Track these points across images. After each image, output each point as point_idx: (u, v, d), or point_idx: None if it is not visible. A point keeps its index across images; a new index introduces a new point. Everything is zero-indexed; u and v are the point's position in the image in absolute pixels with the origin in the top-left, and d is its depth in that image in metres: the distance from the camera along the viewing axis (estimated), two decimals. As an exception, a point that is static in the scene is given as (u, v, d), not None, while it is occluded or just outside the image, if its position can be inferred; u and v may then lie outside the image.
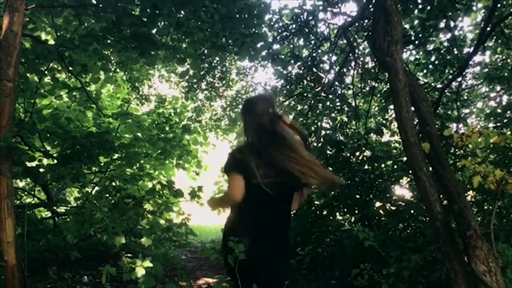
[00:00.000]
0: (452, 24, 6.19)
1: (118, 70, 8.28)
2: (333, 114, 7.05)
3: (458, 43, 6.59)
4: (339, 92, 7.46)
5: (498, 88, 7.55)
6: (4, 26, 3.06)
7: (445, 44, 6.69)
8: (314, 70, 7.23)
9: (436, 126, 2.90)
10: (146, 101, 10.28)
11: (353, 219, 4.47)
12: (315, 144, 5.13)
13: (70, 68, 5.07)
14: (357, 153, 4.67)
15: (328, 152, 4.68)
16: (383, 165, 4.79)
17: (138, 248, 4.61)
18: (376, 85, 7.13)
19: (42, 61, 4.80)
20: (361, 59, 7.42)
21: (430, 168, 2.48)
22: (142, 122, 6.57)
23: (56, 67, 5.22)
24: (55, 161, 4.46)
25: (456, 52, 6.46)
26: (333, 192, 4.47)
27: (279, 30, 7.03)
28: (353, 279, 3.26)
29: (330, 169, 4.64)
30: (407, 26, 6.31)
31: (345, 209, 4.52)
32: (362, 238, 3.10)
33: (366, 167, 4.56)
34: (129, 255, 2.84)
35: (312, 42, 7.46)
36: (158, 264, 3.07)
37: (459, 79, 6.22)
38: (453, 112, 6.62)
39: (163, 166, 6.81)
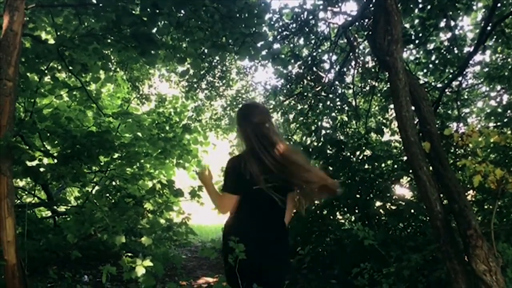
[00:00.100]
0: (452, 23, 6.19)
1: (118, 69, 8.29)
2: (333, 114, 7.05)
3: (459, 43, 6.59)
4: (339, 91, 7.46)
5: (499, 87, 7.55)
6: (4, 26, 3.06)
7: (446, 43, 6.69)
8: (314, 69, 7.23)
9: (437, 125, 2.89)
10: (146, 101, 10.28)
11: (353, 218, 4.48)
12: (315, 143, 5.13)
13: (70, 68, 5.07)
14: (358, 153, 4.67)
15: (328, 151, 4.68)
16: (383, 165, 4.79)
17: (138, 248, 4.62)
18: (377, 84, 7.12)
19: (42, 61, 4.79)
20: (362, 58, 7.41)
21: (431, 168, 2.48)
22: (142, 122, 6.57)
23: (56, 66, 5.22)
24: (55, 161, 4.46)
25: (456, 51, 6.46)
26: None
27: (279, 30, 7.03)
28: (353, 278, 3.26)
29: (331, 168, 4.65)
30: (407, 25, 6.31)
31: (345, 209, 4.52)
32: (362, 237, 3.10)
33: (366, 166, 4.56)
34: (130, 254, 2.84)
35: (312, 41, 7.46)
36: (158, 264, 3.07)
37: (460, 78, 6.22)
38: (454, 112, 6.62)
39: (163, 166, 6.81)
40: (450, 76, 6.31)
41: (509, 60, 7.28)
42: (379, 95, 7.66)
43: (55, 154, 4.75)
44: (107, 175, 5.29)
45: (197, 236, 7.06)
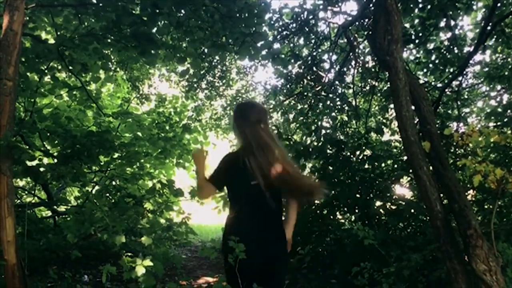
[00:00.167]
0: (452, 23, 6.19)
1: (118, 69, 8.28)
2: (333, 113, 7.06)
3: (459, 42, 6.59)
4: (340, 91, 7.47)
5: (499, 87, 7.55)
6: (4, 25, 3.06)
7: (446, 43, 6.69)
8: (315, 69, 7.23)
9: (437, 125, 2.89)
10: (146, 100, 10.27)
11: (353, 218, 4.47)
12: (315, 143, 5.13)
13: (70, 67, 5.07)
14: (358, 152, 4.67)
15: (328, 151, 4.68)
16: (383, 164, 4.79)
17: (138, 247, 4.62)
18: (377, 84, 7.13)
19: (42, 60, 4.79)
20: (362, 58, 7.42)
21: (431, 167, 2.48)
22: (142, 121, 6.57)
23: (56, 66, 5.22)
24: (55, 160, 4.46)
25: (456, 51, 6.47)
26: (333, 192, 4.47)
27: (279, 29, 7.03)
28: (353, 278, 3.26)
29: (331, 168, 4.64)
30: (407, 25, 6.31)
31: (346, 208, 4.51)
32: (362, 237, 3.10)
33: (366, 166, 4.56)
34: (130, 254, 2.84)
35: (313, 41, 7.46)
36: (158, 263, 3.07)
37: (460, 78, 6.22)
38: (454, 111, 6.62)
39: (163, 165, 6.81)
40: (450, 75, 6.31)
41: (509, 60, 7.28)
42: (379, 94, 7.66)
43: (55, 154, 4.75)
44: (107, 175, 5.29)
45: (197, 236, 7.05)
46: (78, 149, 4.23)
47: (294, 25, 6.98)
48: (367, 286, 3.13)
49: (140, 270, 2.71)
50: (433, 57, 6.59)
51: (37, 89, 5.19)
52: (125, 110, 6.88)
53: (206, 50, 6.36)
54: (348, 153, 4.65)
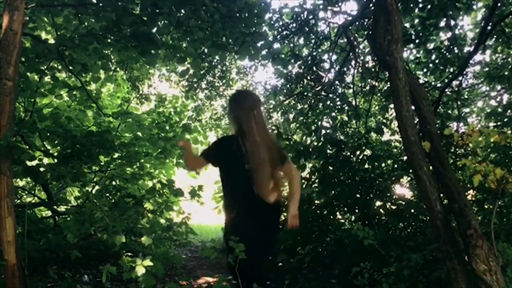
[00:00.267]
0: (452, 23, 6.20)
1: (118, 69, 8.27)
2: (333, 113, 7.06)
3: (459, 42, 6.59)
4: (340, 91, 7.47)
5: (499, 87, 7.55)
6: (4, 25, 3.06)
7: (446, 43, 6.69)
8: (315, 69, 7.23)
9: (437, 125, 2.89)
10: (146, 100, 10.27)
11: (353, 218, 4.47)
12: (315, 143, 5.13)
13: (70, 67, 5.07)
14: (358, 152, 4.67)
15: (328, 151, 4.68)
16: (383, 164, 4.79)
17: (138, 247, 4.61)
18: (377, 84, 7.13)
19: (42, 60, 4.79)
20: (362, 58, 7.42)
21: (431, 167, 2.48)
22: (142, 121, 6.56)
23: (56, 66, 5.22)
24: (56, 160, 4.46)
25: (456, 51, 6.47)
26: (333, 192, 4.47)
27: (279, 29, 7.03)
28: (353, 278, 3.26)
29: (331, 168, 4.64)
30: (407, 25, 6.31)
31: (346, 208, 4.51)
32: (361, 237, 3.10)
33: (366, 166, 4.56)
34: (130, 254, 2.84)
35: (313, 41, 7.46)
36: (159, 263, 3.07)
37: (460, 78, 6.22)
38: (454, 111, 6.62)
39: (163, 165, 6.81)
40: (450, 75, 6.31)
41: (509, 59, 7.28)
42: (379, 94, 7.66)
43: (55, 154, 4.75)
44: (107, 174, 5.29)
45: (197, 236, 7.04)
46: (78, 149, 4.23)
47: (294, 25, 6.98)
48: (367, 286, 3.12)
49: (140, 270, 2.71)
50: (433, 57, 6.59)
51: (37, 89, 5.19)
52: (125, 110, 6.88)
53: (206, 50, 6.36)
54: (348, 153, 4.65)
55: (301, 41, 7.59)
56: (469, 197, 3.80)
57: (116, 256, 4.74)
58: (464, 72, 6.53)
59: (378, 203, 4.29)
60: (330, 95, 7.16)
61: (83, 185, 5.02)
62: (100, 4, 4.79)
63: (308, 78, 7.30)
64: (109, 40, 4.87)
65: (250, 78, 11.98)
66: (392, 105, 5.89)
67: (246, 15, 5.06)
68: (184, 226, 3.75)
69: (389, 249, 3.29)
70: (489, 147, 3.94)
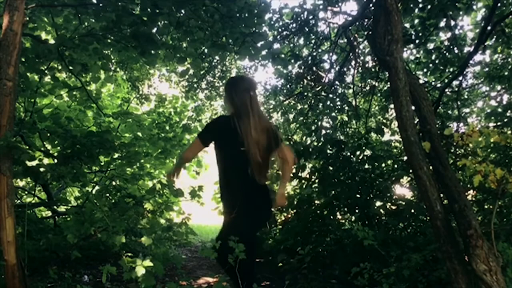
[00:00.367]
0: (452, 23, 6.20)
1: (118, 69, 8.28)
2: (333, 114, 7.06)
3: (459, 42, 6.59)
4: (340, 91, 7.47)
5: (499, 87, 7.55)
6: (4, 25, 3.06)
7: (446, 43, 6.69)
8: (315, 69, 7.23)
9: (437, 125, 2.89)
10: (146, 101, 10.27)
11: (353, 218, 4.47)
12: (315, 143, 5.13)
13: (70, 68, 5.06)
14: (358, 153, 4.67)
15: (328, 151, 4.68)
16: (383, 165, 4.79)
17: (139, 248, 4.61)
18: (377, 84, 7.13)
19: (42, 61, 4.79)
20: (362, 58, 7.42)
21: (431, 167, 2.48)
22: (142, 122, 6.57)
23: (56, 66, 5.21)
24: (56, 161, 4.46)
25: (456, 51, 6.47)
26: (333, 192, 4.47)
27: (280, 29, 7.03)
28: (353, 278, 3.26)
29: (331, 168, 4.64)
30: (407, 25, 6.31)
31: (346, 209, 4.51)
32: (361, 237, 3.10)
33: (366, 166, 4.56)
34: (130, 254, 2.84)
35: (313, 41, 7.46)
36: (159, 264, 3.07)
37: (460, 78, 6.22)
38: (454, 111, 6.63)
39: (164, 166, 6.81)
40: (450, 76, 6.31)
41: (509, 60, 7.28)
42: (379, 95, 7.66)
43: (55, 154, 4.75)
44: (107, 175, 5.29)
45: (197, 236, 7.05)
46: (78, 149, 4.23)
47: (294, 25, 6.98)
48: (367, 287, 3.12)
49: (140, 271, 2.70)
50: (433, 57, 6.59)
51: (37, 89, 5.18)
52: (125, 110, 6.88)
53: (206, 50, 6.36)
54: (348, 153, 4.65)
55: (301, 41, 7.59)
56: (469, 197, 3.80)
57: (116, 257, 4.75)
58: (464, 72, 6.53)
59: (378, 203, 4.29)
60: (330, 95, 7.16)
61: (83, 185, 5.02)
62: (100, 4, 4.79)
63: (308, 78, 7.29)
64: (109, 40, 4.87)
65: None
66: (392, 105, 5.89)
67: (246, 15, 5.05)
68: (184, 226, 3.74)
69: (389, 249, 3.29)
70: (489, 147, 3.94)
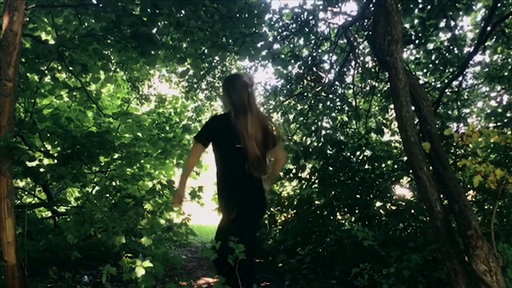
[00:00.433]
0: (452, 23, 6.20)
1: (118, 69, 8.28)
2: (333, 114, 7.06)
3: (459, 43, 6.59)
4: (340, 91, 7.47)
5: (499, 87, 7.56)
6: (4, 26, 3.06)
7: (446, 43, 6.69)
8: (315, 69, 7.23)
9: (437, 125, 2.89)
10: (146, 101, 10.27)
11: (353, 219, 4.47)
12: (315, 144, 5.13)
13: (70, 68, 5.06)
14: (358, 153, 4.66)
15: (328, 151, 4.68)
16: (383, 165, 4.78)
17: (138, 248, 4.61)
18: (377, 84, 7.13)
19: (42, 61, 4.79)
20: (362, 58, 7.42)
21: (431, 168, 2.48)
22: (142, 122, 6.57)
23: (56, 66, 5.21)
24: (56, 161, 4.46)
25: (456, 51, 6.47)
26: (333, 192, 4.47)
27: (280, 30, 7.03)
28: (353, 279, 3.26)
29: (331, 168, 4.64)
30: (407, 25, 6.31)
31: (346, 209, 4.51)
32: (361, 238, 3.10)
33: (366, 166, 4.55)
34: (130, 255, 2.84)
35: (313, 41, 7.47)
36: (159, 264, 3.07)
37: (460, 78, 6.22)
38: (454, 112, 6.63)
39: (164, 166, 6.81)
40: (450, 76, 6.31)
41: (509, 60, 7.28)
42: (379, 95, 7.66)
43: (55, 155, 4.75)
44: (107, 175, 5.29)
45: (197, 237, 7.05)
46: (78, 150, 4.23)
47: (294, 25, 6.98)
48: (367, 287, 3.12)
49: (140, 271, 2.70)
50: (433, 58, 6.59)
51: (37, 89, 5.18)
52: (125, 110, 6.89)
53: (206, 51, 6.36)
54: (348, 154, 4.65)
55: (301, 41, 7.59)
56: (469, 198, 3.80)
57: (116, 257, 4.74)
58: (464, 73, 6.53)
59: (378, 204, 4.29)
60: (330, 96, 7.16)
61: (83, 185, 5.03)
62: (100, 5, 4.79)
63: (308, 78, 7.29)
64: (109, 41, 4.87)
65: (250, 78, 11.97)
66: (392, 106, 5.89)
67: (246, 15, 5.05)
68: (184, 227, 3.74)
69: (389, 250, 3.29)
70: (489, 148, 3.94)
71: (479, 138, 2.37)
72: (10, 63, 2.98)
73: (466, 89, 8.00)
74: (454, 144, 3.07)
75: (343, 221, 4.68)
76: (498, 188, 2.26)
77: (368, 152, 4.73)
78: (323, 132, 5.99)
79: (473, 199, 3.85)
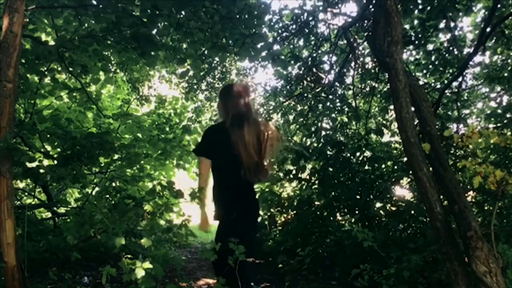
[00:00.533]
0: (452, 24, 6.20)
1: (118, 70, 8.29)
2: (333, 115, 7.06)
3: (458, 44, 6.60)
4: (339, 92, 7.47)
5: (498, 88, 7.56)
6: (4, 27, 3.06)
7: (445, 44, 6.70)
8: (314, 70, 7.24)
9: (437, 126, 2.89)
10: (146, 102, 10.28)
11: (353, 219, 4.47)
12: (315, 144, 5.13)
13: (70, 69, 5.06)
14: (358, 154, 4.66)
15: (328, 152, 4.68)
16: (383, 166, 4.79)
17: (138, 249, 4.61)
18: (376, 85, 7.13)
19: (42, 62, 4.79)
20: (361, 59, 7.42)
21: (431, 169, 2.48)
22: (142, 123, 6.56)
23: (56, 67, 5.21)
24: (56, 162, 4.46)
25: (456, 52, 6.47)
26: (333, 193, 4.47)
27: (279, 31, 7.04)
28: (353, 280, 3.26)
29: (331, 169, 4.64)
30: (407, 26, 6.31)
31: (346, 210, 4.51)
32: (361, 239, 3.10)
33: (366, 167, 4.56)
34: (129, 256, 2.84)
35: (312, 42, 7.47)
36: (158, 265, 3.07)
37: (459, 79, 6.22)
38: (454, 113, 6.63)
39: (164, 167, 6.81)
40: (450, 77, 6.31)
41: (509, 61, 7.28)
42: (379, 96, 7.67)
43: (55, 156, 4.75)
44: (107, 176, 5.29)
45: (197, 238, 7.03)
46: (78, 151, 4.23)
47: (294, 26, 6.99)
48: (367, 288, 3.12)
49: (139, 272, 2.70)
50: (433, 58, 6.60)
51: (37, 90, 5.18)
52: (125, 111, 6.88)
53: (206, 52, 6.36)
54: (348, 155, 4.65)
55: (301, 42, 7.60)
56: (469, 199, 3.80)
57: (116, 258, 4.74)
58: (464, 74, 6.53)
59: (378, 205, 4.29)
60: (330, 97, 7.16)
61: (83, 186, 5.02)
62: (100, 6, 4.79)
63: (308, 79, 7.30)
64: (109, 42, 4.87)
65: (250, 79, 11.98)
66: (392, 107, 5.89)
67: (246, 16, 5.06)
68: (184, 228, 3.74)
69: (389, 251, 3.29)
70: (489, 149, 3.94)
71: (479, 139, 2.38)
72: (10, 64, 2.98)
73: (466, 90, 8.00)
74: (454, 145, 3.07)
75: (343, 222, 4.68)
76: (498, 189, 2.26)
77: (368, 153, 4.73)
78: (323, 133, 6.00)
79: (473, 200, 3.85)
